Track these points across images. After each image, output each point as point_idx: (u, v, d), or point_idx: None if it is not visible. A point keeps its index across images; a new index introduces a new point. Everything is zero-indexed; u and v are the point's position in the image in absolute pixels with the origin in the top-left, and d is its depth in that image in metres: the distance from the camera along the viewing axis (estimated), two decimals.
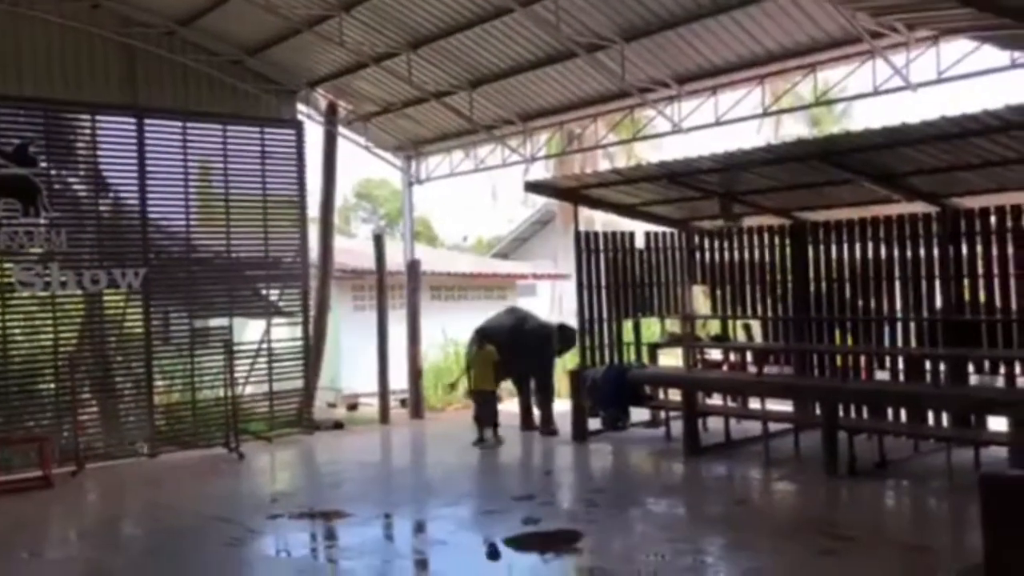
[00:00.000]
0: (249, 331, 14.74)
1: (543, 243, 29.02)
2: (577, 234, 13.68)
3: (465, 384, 13.58)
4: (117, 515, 10.12)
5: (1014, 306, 10.51)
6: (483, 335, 13.40)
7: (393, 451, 14.10)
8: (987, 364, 10.83)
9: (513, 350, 13.12)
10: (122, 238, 13.09)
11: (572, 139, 16.16)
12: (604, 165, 22.92)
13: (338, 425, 14.97)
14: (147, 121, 13.07)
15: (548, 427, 13.18)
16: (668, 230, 14.40)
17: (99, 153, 12.95)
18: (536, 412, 13.48)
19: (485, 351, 13.01)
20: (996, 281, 10.71)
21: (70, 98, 12.80)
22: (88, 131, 12.84)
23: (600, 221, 19.18)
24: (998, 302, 10.69)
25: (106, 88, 13.19)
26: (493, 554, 7.81)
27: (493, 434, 12.69)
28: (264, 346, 13.97)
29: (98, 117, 12.80)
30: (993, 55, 9.26)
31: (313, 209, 15.31)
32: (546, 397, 13.39)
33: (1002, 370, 10.49)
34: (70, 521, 9.87)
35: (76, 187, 13.04)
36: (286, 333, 14.56)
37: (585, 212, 15.54)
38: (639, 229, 14.53)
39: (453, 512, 9.04)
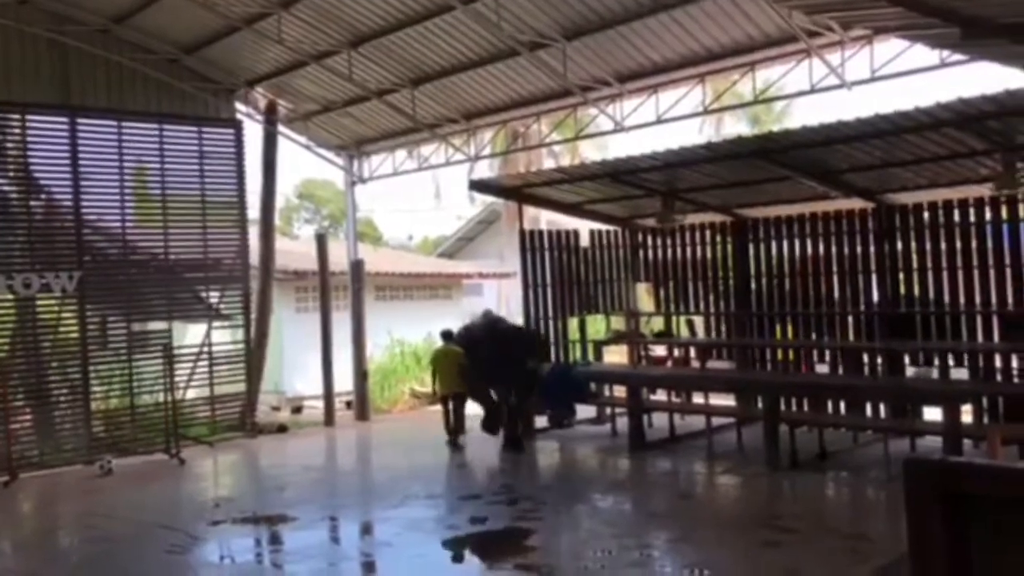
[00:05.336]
0: (190, 334, 14.47)
1: (488, 242, 29.05)
2: (522, 233, 13.70)
3: (437, 388, 12.67)
4: (53, 525, 9.85)
5: (947, 299, 10.80)
6: (462, 340, 12.54)
7: (338, 454, 13.95)
8: (922, 356, 11.11)
9: (493, 356, 11.99)
10: (55, 240, 12.75)
11: (516, 138, 16.18)
12: (549, 164, 23.02)
13: (282, 428, 14.78)
14: (80, 120, 12.73)
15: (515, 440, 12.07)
16: (612, 228, 14.50)
17: (30, 153, 12.60)
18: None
19: (452, 351, 12.37)
20: (930, 275, 11.00)
21: None
22: (18, 130, 12.48)
23: (545, 220, 19.26)
24: (932, 295, 10.98)
25: (37, 87, 12.83)
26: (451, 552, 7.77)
27: (455, 439, 12.27)
28: (205, 349, 13.71)
29: (28, 116, 12.43)
30: (924, 54, 9.49)
31: (254, 210, 15.10)
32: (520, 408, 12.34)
33: (936, 361, 10.79)
34: (3, 532, 9.56)
35: (5, 188, 12.66)
36: (227, 336, 14.33)
37: (530, 211, 15.58)
38: (583, 227, 14.61)
39: (399, 513, 8.96)
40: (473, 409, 12.72)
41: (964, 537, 1.66)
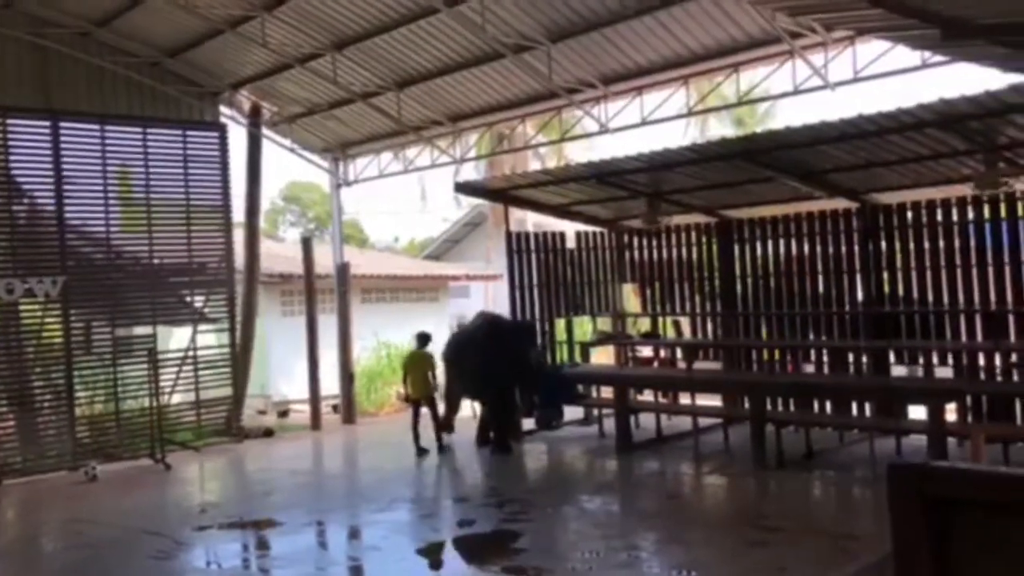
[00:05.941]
0: (175, 339, 14.40)
1: (475, 244, 29.02)
2: (508, 235, 13.71)
3: (407, 390, 12.44)
4: (38, 531, 9.78)
5: (931, 298, 10.87)
6: (453, 349, 12.33)
7: (325, 457, 13.91)
8: (907, 355, 11.17)
9: (497, 353, 11.66)
10: (38, 245, 12.67)
11: (501, 140, 16.18)
12: (535, 166, 23.00)
13: (268, 432, 14.72)
14: (63, 124, 12.66)
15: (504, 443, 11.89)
16: (598, 230, 14.52)
17: (11, 157, 12.50)
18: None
19: (423, 354, 12.19)
20: (914, 274, 11.07)
21: None
22: None
23: (531, 222, 19.27)
24: (916, 294, 11.05)
25: (18, 90, 12.74)
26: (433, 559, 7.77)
27: (439, 440, 12.07)
28: (190, 354, 13.64)
29: (9, 120, 12.36)
30: (906, 55, 9.55)
31: (238, 213, 15.03)
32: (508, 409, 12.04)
33: (921, 360, 10.85)
34: None
35: None
36: (213, 340, 14.25)
37: (516, 213, 15.61)
38: (570, 229, 14.63)
39: (387, 517, 8.95)
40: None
41: (947, 540, 1.67)
